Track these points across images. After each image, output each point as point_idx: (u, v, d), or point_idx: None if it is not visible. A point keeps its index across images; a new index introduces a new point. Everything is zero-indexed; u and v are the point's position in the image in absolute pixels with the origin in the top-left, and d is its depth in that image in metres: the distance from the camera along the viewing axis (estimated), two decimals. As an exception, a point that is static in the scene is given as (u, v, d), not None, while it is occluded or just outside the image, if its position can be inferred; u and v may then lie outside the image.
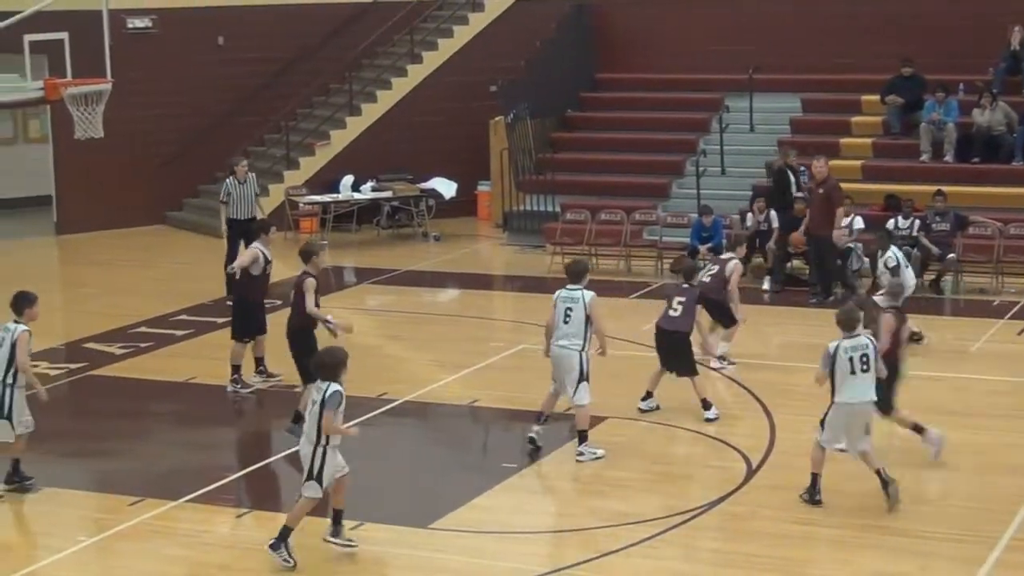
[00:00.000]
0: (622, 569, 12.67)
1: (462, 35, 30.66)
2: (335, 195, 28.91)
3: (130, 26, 28.85)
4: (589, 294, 15.09)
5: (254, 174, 23.46)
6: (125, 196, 28.58)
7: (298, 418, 15.15)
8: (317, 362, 12.83)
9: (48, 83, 17.37)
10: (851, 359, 13.50)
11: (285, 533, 12.63)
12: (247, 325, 17.85)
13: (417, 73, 30.39)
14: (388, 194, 29.08)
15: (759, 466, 14.99)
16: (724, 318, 18.37)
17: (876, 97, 26.78)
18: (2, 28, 17.36)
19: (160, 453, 16.15)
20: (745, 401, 17.29)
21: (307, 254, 16.22)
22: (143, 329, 21.15)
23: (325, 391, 12.43)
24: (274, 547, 12.55)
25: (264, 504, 14.34)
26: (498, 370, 18.67)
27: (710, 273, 18.21)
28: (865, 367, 13.54)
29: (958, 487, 14.43)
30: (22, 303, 14.57)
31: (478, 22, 30.75)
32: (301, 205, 28.73)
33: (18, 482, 14.49)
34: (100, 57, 18.08)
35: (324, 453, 12.51)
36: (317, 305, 16.03)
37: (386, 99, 30.20)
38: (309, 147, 29.86)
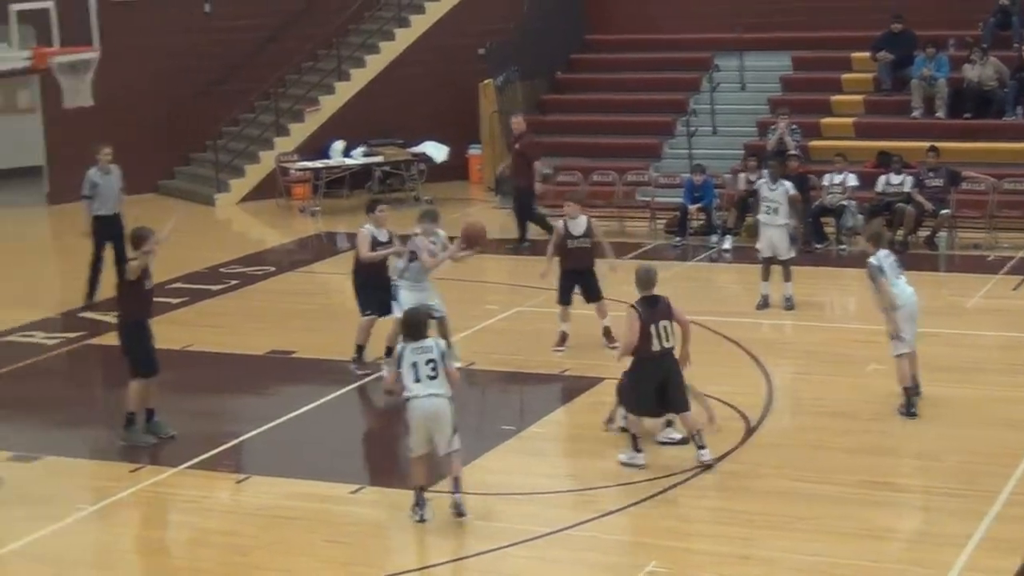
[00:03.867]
0: (622, 529, 12.71)
1: (449, -2, 30.57)
2: (326, 161, 28.86)
3: (115, -7, 28.72)
4: None
5: (118, 165, 20.97)
6: (117, 165, 28.43)
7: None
8: (407, 322, 13.11)
9: (36, 52, 17.32)
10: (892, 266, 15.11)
11: (457, 485, 12.78)
12: (369, 300, 17.08)
13: (405, 37, 30.30)
14: (379, 159, 29.04)
15: (758, 424, 15.01)
16: None
17: (866, 54, 26.76)
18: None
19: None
20: (740, 359, 17.29)
21: None
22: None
23: (438, 347, 12.79)
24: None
25: (263, 470, 14.32)
26: (494, 333, 18.67)
27: None
28: (899, 274, 15.21)
29: (957, 443, 14.46)
30: None
31: (467, -16, 30.65)
32: (292, 171, 28.67)
33: None
34: (87, 26, 18.02)
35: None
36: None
37: (375, 64, 30.12)
38: (299, 113, 29.79)
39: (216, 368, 17.73)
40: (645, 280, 13.97)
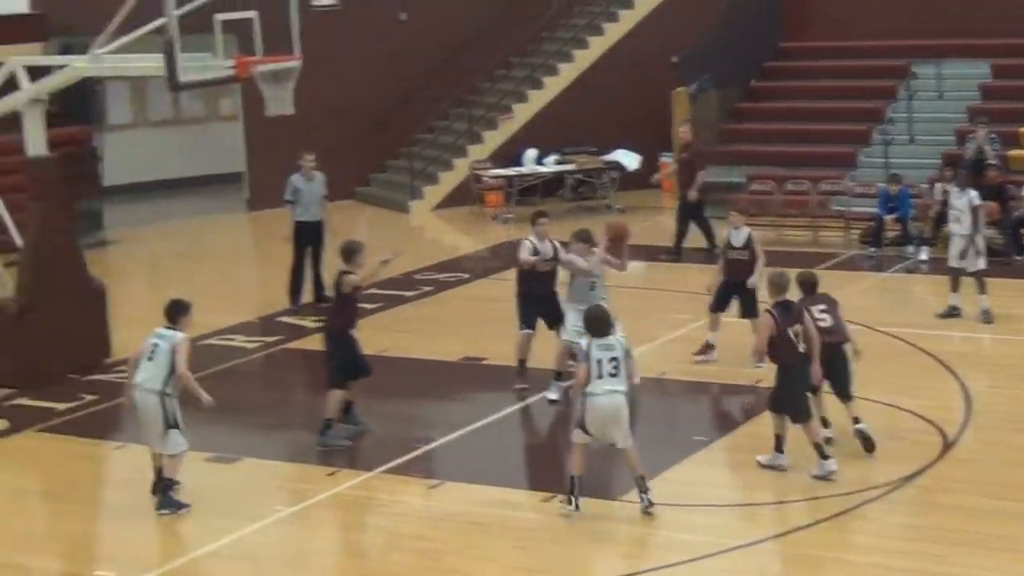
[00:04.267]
0: (814, 543, 12.60)
1: (643, 5, 30.54)
2: (519, 168, 29.08)
3: (316, 4, 29.25)
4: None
5: (321, 172, 21.45)
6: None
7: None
8: (593, 318, 13.34)
9: (239, 61, 17.65)
10: None
11: (642, 483, 13.05)
12: (529, 316, 16.92)
13: (599, 45, 30.38)
14: (572, 167, 29.17)
15: (955, 439, 14.78)
16: None
17: (1070, 61, 26.19)
18: (194, 8, 17.68)
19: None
20: (935, 371, 17.03)
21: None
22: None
23: (621, 345, 13.13)
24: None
25: (456, 476, 14.47)
26: (685, 342, 18.61)
27: None
28: None
29: None
30: (178, 311, 14.05)
31: (660, -8, 30.65)
32: (486, 179, 28.94)
33: (162, 494, 13.81)
34: (288, 35, 18.35)
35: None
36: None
37: (568, 71, 30.25)
38: (492, 121, 30.04)
39: (410, 373, 17.95)
40: (779, 285, 14.07)
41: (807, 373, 13.91)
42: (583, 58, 30.32)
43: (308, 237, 21.11)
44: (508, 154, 29.60)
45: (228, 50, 17.82)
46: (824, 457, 13.81)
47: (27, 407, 17.17)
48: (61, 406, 17.09)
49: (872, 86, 28.05)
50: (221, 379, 18.08)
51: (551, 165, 29.15)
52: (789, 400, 13.92)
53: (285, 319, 20.73)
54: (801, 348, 13.86)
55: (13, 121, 19.06)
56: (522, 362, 16.94)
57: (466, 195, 29.06)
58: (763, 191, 25.61)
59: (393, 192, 30.07)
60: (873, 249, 23.48)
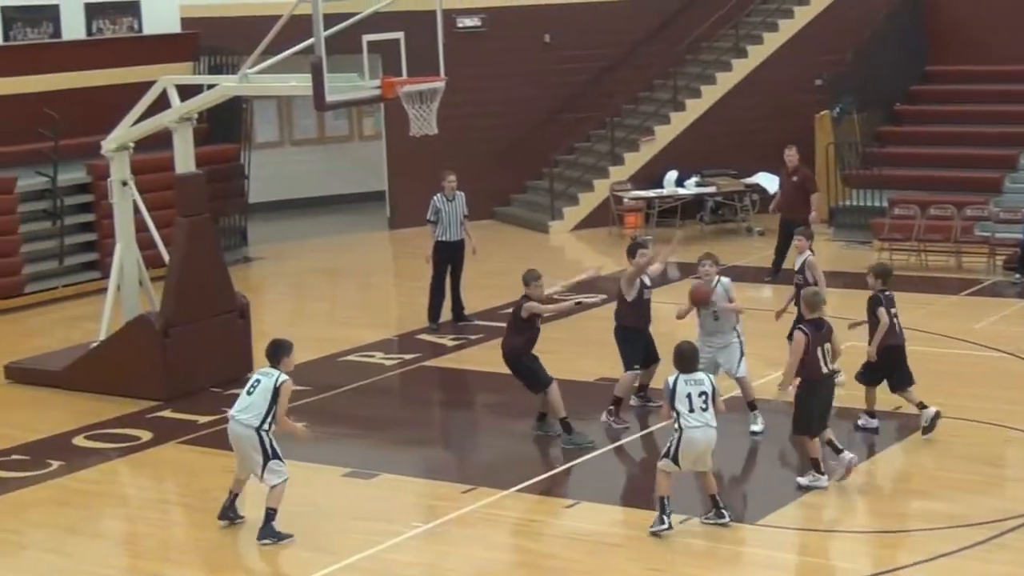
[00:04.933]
0: (956, 572, 12.43)
1: (787, 29, 30.41)
2: (659, 190, 29.07)
3: (460, 25, 29.54)
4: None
5: (462, 192, 21.53)
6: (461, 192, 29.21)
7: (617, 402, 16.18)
8: (682, 353, 13.63)
9: (385, 82, 17.83)
10: None
11: (716, 502, 13.39)
12: (634, 354, 16.87)
13: (741, 68, 30.28)
14: (712, 189, 29.09)
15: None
16: None
17: None
18: (342, 29, 17.90)
19: (490, 443, 16.57)
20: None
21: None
22: (475, 322, 21.63)
23: (709, 380, 13.51)
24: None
25: (591, 496, 14.48)
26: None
27: None
28: None
29: None
30: (279, 351, 13.75)
31: (804, 15, 30.45)
32: (625, 200, 28.96)
33: (232, 517, 13.97)
34: (432, 56, 18.51)
35: None
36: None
37: (710, 94, 30.18)
38: (634, 143, 30.05)
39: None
40: (813, 303, 14.41)
41: (830, 392, 14.40)
42: (726, 80, 30.24)
43: (448, 257, 21.28)
44: (649, 176, 29.59)
45: (374, 70, 18.02)
46: (820, 472, 14.15)
47: (170, 419, 17.48)
48: (203, 419, 17.37)
49: (1019, 111, 27.62)
50: (360, 395, 18.32)
51: (691, 187, 29.10)
52: (803, 416, 14.28)
53: (424, 336, 20.89)
54: (825, 369, 14.22)
55: (163, 138, 19.45)
56: (618, 400, 16.74)
57: (605, 216, 29.10)
58: (906, 215, 25.33)
59: (533, 212, 30.19)
60: (1018, 276, 23.11)
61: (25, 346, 21.14)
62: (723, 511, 13.34)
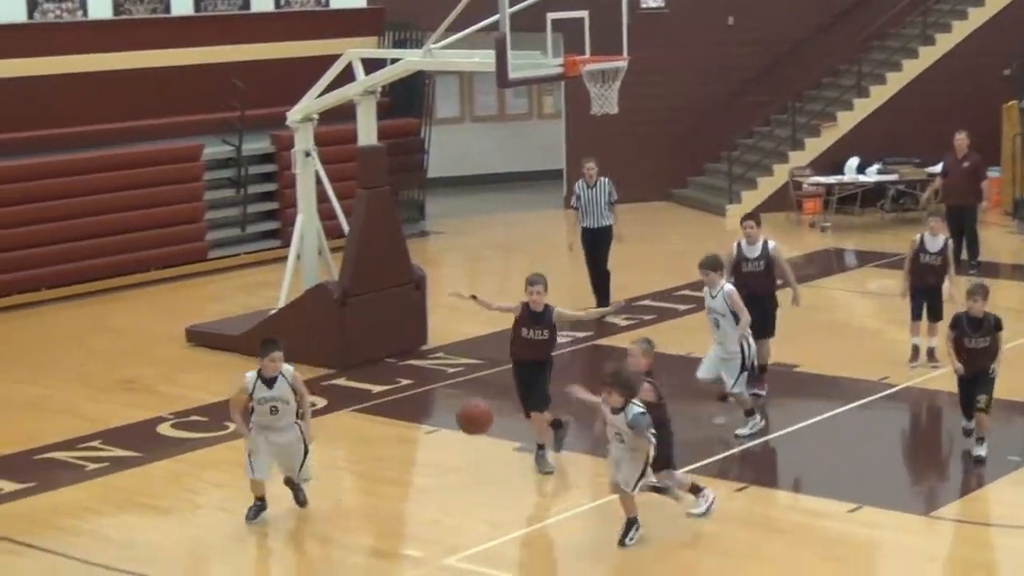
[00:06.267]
0: None
1: (976, 17, 29.81)
2: (840, 177, 28.74)
3: (644, 6, 29.47)
4: None
5: (606, 178, 21.14)
6: (633, 172, 29.15)
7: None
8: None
9: (567, 60, 17.84)
10: None
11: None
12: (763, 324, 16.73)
13: (928, 55, 29.77)
14: (894, 177, 28.67)
15: None
16: None
17: None
18: (526, 7, 17.95)
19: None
20: None
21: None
22: (647, 302, 21.61)
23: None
24: None
25: (761, 480, 14.42)
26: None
27: None
28: None
29: None
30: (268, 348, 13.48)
31: (994, 4, 29.80)
32: (805, 186, 28.68)
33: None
34: (614, 35, 18.47)
35: None
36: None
37: (895, 81, 29.73)
38: (815, 128, 29.73)
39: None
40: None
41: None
42: (912, 68, 29.75)
43: (593, 243, 21.05)
44: (829, 162, 29.27)
45: (556, 49, 18.05)
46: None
47: (345, 387, 17.72)
48: (377, 388, 17.59)
49: None
50: (466, 387, 18.31)
51: (872, 175, 28.71)
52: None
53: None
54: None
55: (347, 111, 19.70)
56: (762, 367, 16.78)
57: (784, 201, 28.83)
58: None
59: (710, 195, 30.03)
60: None
61: (206, 311, 21.61)
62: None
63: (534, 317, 14.87)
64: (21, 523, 13.73)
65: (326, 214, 20.28)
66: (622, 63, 17.94)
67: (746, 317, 15.50)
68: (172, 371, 18.85)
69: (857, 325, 21.34)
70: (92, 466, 15.15)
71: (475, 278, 25.61)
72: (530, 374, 14.90)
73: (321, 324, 18.53)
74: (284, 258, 20.77)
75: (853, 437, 16.04)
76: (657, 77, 28.55)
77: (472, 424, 13.58)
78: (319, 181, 20.00)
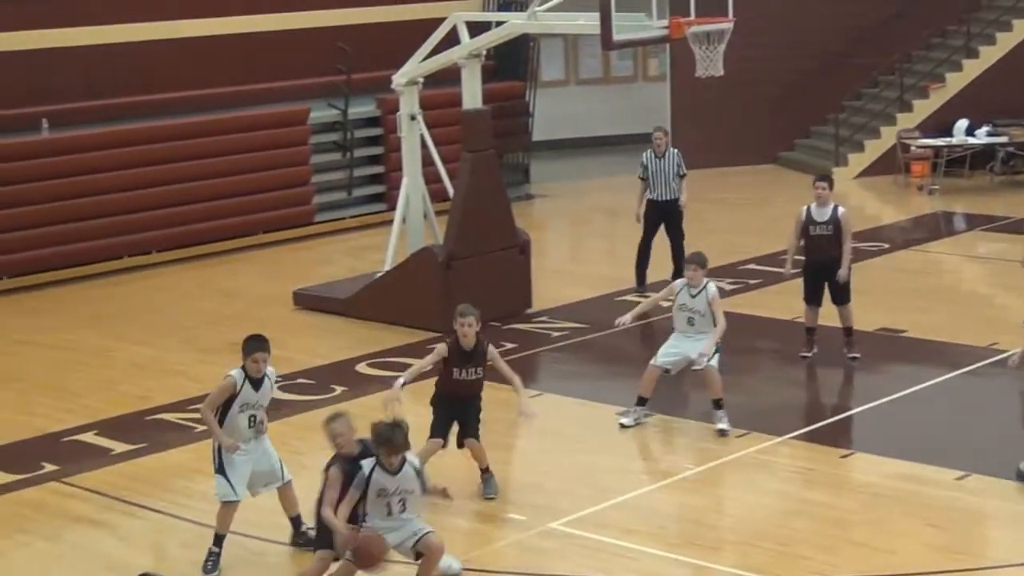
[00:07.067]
0: None
1: (1092, -25, 29.35)
2: (948, 139, 28.39)
3: (750, -34, 29.22)
4: None
5: (676, 149, 20.54)
6: (738, 135, 29.03)
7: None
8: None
9: (673, 22, 17.75)
10: None
11: None
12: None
13: (1039, 15, 29.34)
14: (1004, 139, 28.27)
15: None
16: None
17: None
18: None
19: (765, 389, 16.42)
20: None
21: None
22: (752, 266, 21.51)
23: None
24: None
25: (868, 447, 14.32)
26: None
27: None
28: None
29: None
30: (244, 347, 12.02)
31: (1110, -39, 29.34)
32: (913, 148, 28.36)
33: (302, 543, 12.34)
34: (721, -4, 18.38)
35: None
36: None
37: (1006, 41, 29.29)
38: (923, 89, 29.36)
39: (824, 341, 17.63)
40: None
41: None
42: (1022, 28, 29.28)
43: (658, 217, 20.28)
44: (938, 124, 28.91)
45: (661, 11, 17.96)
46: None
47: (450, 351, 17.75)
48: (482, 351, 17.60)
49: None
50: (635, 336, 18.32)
51: (982, 137, 28.33)
52: None
53: (630, 297, 19.74)
54: None
55: (452, 74, 19.73)
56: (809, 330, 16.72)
57: (891, 164, 28.55)
58: None
59: (817, 158, 29.77)
60: None
61: (313, 274, 21.79)
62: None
63: (465, 356, 13.04)
64: (133, 484, 13.95)
65: (431, 178, 20.35)
66: (727, 24, 17.85)
67: (723, 324, 14.59)
68: (279, 334, 18.89)
69: (965, 290, 21.12)
70: (200, 428, 15.33)
71: (579, 242, 25.61)
72: (460, 410, 13.30)
73: (426, 287, 18.61)
74: (389, 222, 20.87)
75: (961, 404, 15.89)
76: (762, 38, 28.34)
77: (364, 561, 10.82)
78: (424, 145, 20.07)
